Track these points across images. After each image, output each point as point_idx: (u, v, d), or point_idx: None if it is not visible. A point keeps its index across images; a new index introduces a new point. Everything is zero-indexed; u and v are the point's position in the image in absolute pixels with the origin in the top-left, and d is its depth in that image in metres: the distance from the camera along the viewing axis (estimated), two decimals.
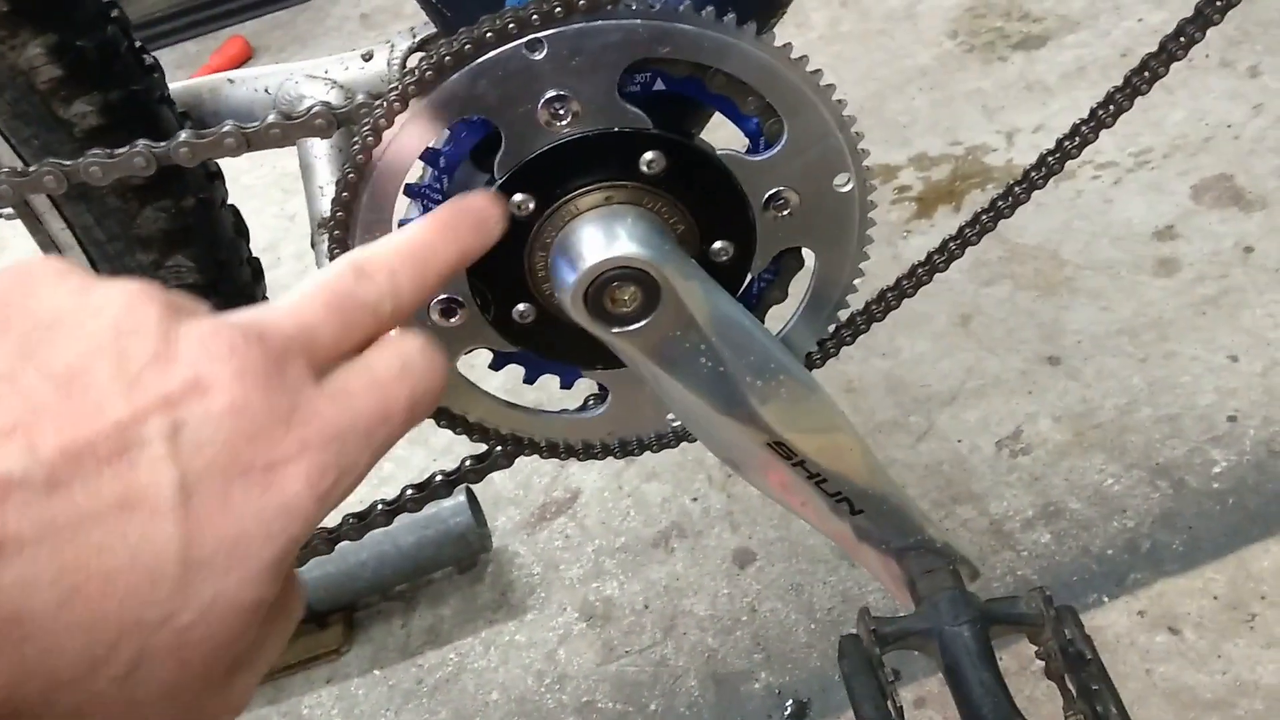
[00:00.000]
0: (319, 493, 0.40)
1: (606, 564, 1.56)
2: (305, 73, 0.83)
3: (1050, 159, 0.78)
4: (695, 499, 1.59)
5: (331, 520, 0.90)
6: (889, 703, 0.79)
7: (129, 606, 0.36)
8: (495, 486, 1.70)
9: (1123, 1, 2.10)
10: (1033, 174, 0.78)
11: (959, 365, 1.63)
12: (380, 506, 0.88)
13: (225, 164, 0.83)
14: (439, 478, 0.88)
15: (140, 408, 0.37)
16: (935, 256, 0.80)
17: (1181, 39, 0.78)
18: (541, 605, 1.54)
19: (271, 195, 2.46)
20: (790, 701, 1.35)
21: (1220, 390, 1.47)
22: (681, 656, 1.43)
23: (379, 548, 1.54)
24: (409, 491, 0.89)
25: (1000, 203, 0.79)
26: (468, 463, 0.88)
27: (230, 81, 0.83)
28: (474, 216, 0.56)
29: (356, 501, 0.86)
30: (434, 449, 1.80)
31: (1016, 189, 0.78)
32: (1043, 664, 0.87)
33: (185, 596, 0.37)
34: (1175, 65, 1.94)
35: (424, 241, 0.51)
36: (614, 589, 1.53)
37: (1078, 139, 0.80)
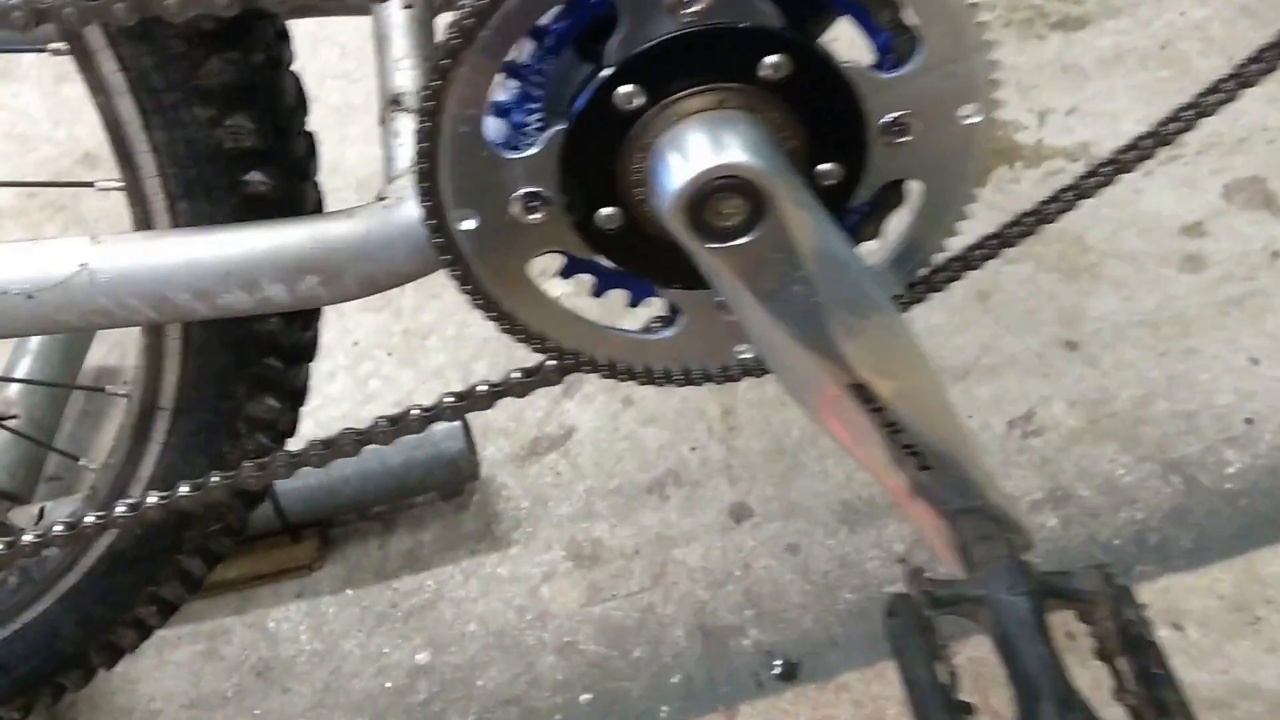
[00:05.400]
0: None
1: (597, 505, 1.51)
2: None
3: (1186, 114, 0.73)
4: (694, 448, 1.55)
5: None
6: (942, 667, 0.76)
7: None
8: (485, 415, 1.64)
9: None
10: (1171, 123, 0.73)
11: (974, 341, 1.59)
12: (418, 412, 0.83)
13: None
14: (482, 388, 0.83)
15: None
16: (1045, 206, 0.76)
17: None
18: (527, 540, 1.49)
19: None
20: (780, 661, 1.32)
21: (1239, 392, 1.46)
22: (670, 605, 1.39)
23: (364, 464, 1.48)
24: (448, 399, 0.83)
25: (1123, 155, 0.74)
26: (514, 375, 0.82)
27: None
28: None
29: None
30: (424, 371, 1.74)
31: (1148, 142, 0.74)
32: (1072, 640, 0.84)
33: None
34: (1214, 64, 1.89)
35: None
36: (603, 531, 1.48)
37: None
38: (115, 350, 1.87)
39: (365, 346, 1.78)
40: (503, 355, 1.73)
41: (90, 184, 0.78)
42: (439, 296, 1.83)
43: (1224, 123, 1.80)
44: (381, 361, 1.76)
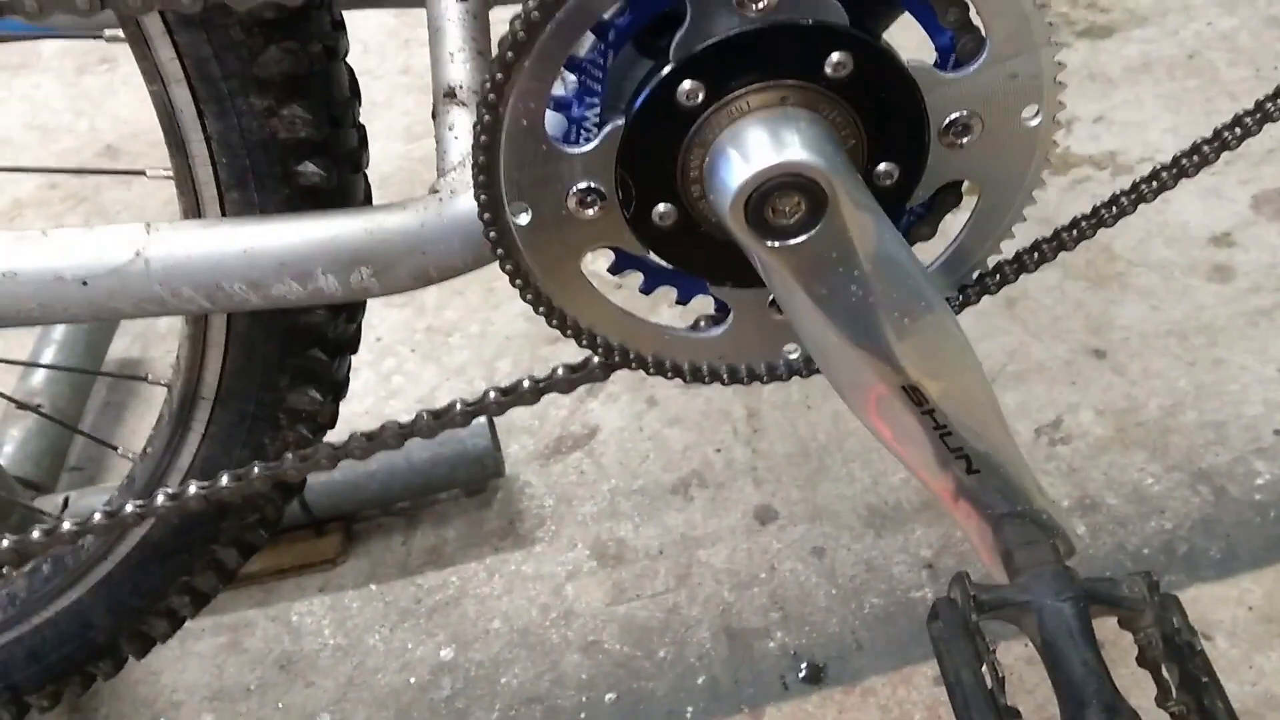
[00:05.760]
0: None
1: (622, 505, 1.51)
2: None
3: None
4: (719, 450, 1.55)
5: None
6: (988, 670, 0.75)
7: None
8: (509, 413, 1.64)
9: (1192, 2, 2.06)
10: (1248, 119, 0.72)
11: (1001, 347, 1.59)
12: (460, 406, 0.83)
13: None
14: (526, 383, 0.83)
15: None
16: (1102, 210, 0.75)
17: None
18: (551, 538, 1.49)
19: None
20: (805, 664, 1.31)
21: (1268, 403, 1.45)
22: (695, 606, 1.39)
23: (390, 460, 1.48)
24: (492, 394, 0.83)
25: (1185, 160, 0.74)
26: (560, 371, 0.82)
27: None
28: None
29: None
30: (447, 368, 1.74)
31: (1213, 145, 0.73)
32: (1119, 651, 0.84)
33: None
34: (1241, 75, 1.88)
35: None
36: (628, 530, 1.48)
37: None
38: (138, 342, 1.87)
39: (389, 342, 1.78)
40: (526, 353, 1.73)
41: (141, 172, 0.78)
42: (462, 294, 1.83)
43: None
44: (405, 358, 1.76)
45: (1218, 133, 0.79)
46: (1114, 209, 0.75)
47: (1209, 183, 1.73)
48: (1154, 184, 0.76)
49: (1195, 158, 0.76)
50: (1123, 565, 1.33)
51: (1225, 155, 1.59)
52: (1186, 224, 1.69)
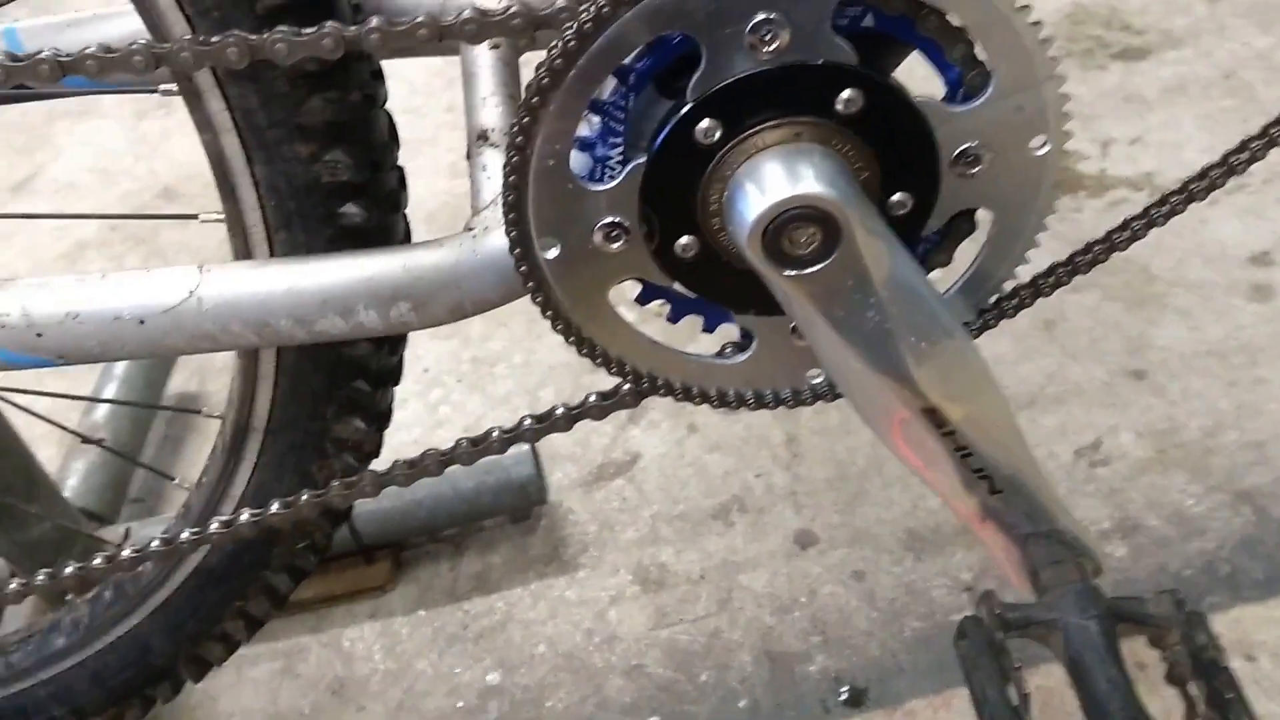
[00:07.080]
0: None
1: (663, 530, 1.53)
2: None
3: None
4: (759, 475, 1.57)
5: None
6: (1014, 689, 0.77)
7: None
8: (552, 441, 1.67)
9: (1228, 23, 2.06)
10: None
11: (1039, 370, 1.60)
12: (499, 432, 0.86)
13: None
14: (560, 410, 0.86)
15: None
16: (1115, 235, 0.77)
17: None
18: (594, 564, 1.51)
19: None
20: (847, 687, 1.33)
21: None
22: (736, 630, 1.41)
23: (436, 488, 1.52)
24: (527, 422, 0.86)
25: (1192, 185, 0.76)
26: (592, 399, 0.85)
27: None
28: None
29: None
30: (492, 397, 1.78)
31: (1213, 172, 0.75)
32: (1142, 670, 0.85)
33: None
34: (1279, 94, 1.87)
35: None
36: (670, 556, 1.50)
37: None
38: (195, 376, 1.93)
39: (435, 373, 1.83)
40: (569, 381, 1.77)
41: (194, 216, 0.83)
42: (506, 325, 1.87)
43: None
44: (451, 388, 1.80)
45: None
46: (1128, 231, 0.77)
47: (1246, 202, 1.73)
48: (1165, 207, 0.78)
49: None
50: (1164, 587, 1.33)
51: (1263, 175, 1.58)
52: (1224, 243, 1.69)
